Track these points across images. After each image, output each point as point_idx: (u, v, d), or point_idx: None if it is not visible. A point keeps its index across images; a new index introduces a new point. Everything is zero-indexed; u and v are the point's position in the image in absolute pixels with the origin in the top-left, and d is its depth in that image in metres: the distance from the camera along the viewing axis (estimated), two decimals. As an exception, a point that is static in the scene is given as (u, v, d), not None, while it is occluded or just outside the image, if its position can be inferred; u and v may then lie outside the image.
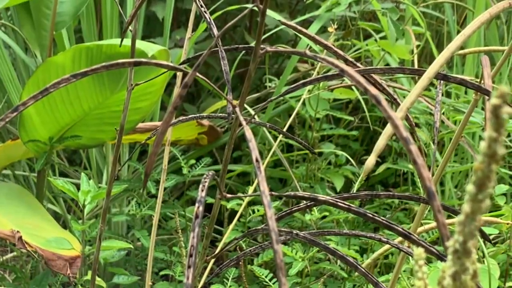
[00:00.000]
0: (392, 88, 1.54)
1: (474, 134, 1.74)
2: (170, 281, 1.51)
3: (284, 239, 0.70)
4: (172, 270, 1.41)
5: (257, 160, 0.47)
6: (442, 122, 1.57)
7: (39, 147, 1.50)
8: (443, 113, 1.59)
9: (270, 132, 1.67)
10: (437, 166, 1.57)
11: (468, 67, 1.83)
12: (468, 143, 1.56)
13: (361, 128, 2.01)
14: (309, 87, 1.61)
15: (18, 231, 1.22)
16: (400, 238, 1.02)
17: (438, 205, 0.42)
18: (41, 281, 1.35)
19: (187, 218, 1.60)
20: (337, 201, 0.59)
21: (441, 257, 0.59)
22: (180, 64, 0.82)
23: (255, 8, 0.60)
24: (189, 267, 0.48)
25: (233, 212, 1.53)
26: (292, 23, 0.74)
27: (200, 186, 0.53)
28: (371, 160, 0.56)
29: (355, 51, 1.86)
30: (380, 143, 0.56)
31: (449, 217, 1.20)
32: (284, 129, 1.51)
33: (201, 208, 0.52)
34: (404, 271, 1.26)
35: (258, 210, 1.46)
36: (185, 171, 1.55)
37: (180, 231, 1.35)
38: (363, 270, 0.63)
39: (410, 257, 1.19)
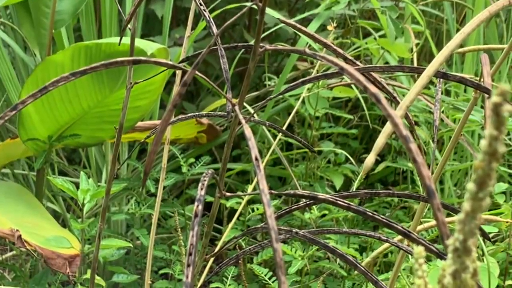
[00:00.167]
0: (391, 87, 1.54)
1: (474, 132, 1.74)
2: (169, 279, 1.51)
3: (283, 237, 0.70)
4: (172, 268, 1.41)
5: (256, 159, 0.47)
6: (442, 120, 1.57)
7: (38, 146, 1.49)
8: (443, 111, 1.59)
9: (269, 131, 1.67)
10: (437, 164, 1.57)
11: (467, 65, 1.83)
12: (467, 142, 1.56)
13: (361, 126, 2.01)
14: (309, 85, 1.61)
15: (17, 230, 1.21)
16: (399, 237, 1.02)
17: (438, 204, 0.42)
18: (40, 279, 1.35)
19: (187, 217, 1.60)
20: (337, 200, 0.59)
21: (441, 256, 0.59)
22: (179, 63, 0.81)
23: (254, 6, 0.60)
24: (188, 265, 0.48)
25: (232, 211, 1.53)
26: (292, 21, 0.74)
27: (200, 184, 0.53)
28: (370, 158, 0.56)
29: (354, 49, 1.86)
30: (380, 142, 0.56)
31: (448, 215, 1.20)
32: (284, 128, 1.51)
33: (200, 207, 0.51)
34: (403, 269, 1.26)
35: (257, 209, 1.46)
36: (184, 169, 1.55)
37: (179, 229, 1.35)
38: (362, 268, 0.63)
39: (409, 256, 1.19)
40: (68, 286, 1.53)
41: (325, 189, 1.68)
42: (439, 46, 2.14)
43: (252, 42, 2.02)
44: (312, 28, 1.74)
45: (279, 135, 1.57)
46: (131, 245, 1.23)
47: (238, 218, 1.42)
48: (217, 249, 1.29)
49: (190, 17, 1.07)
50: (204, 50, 0.51)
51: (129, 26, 0.81)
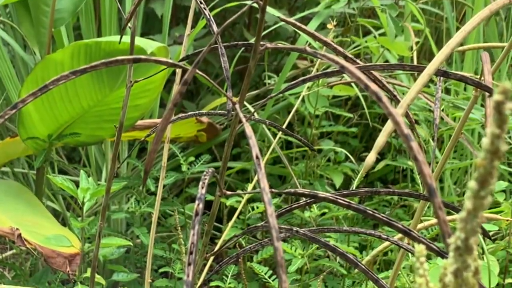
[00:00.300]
0: (391, 85, 1.54)
1: (473, 130, 1.74)
2: (169, 278, 1.51)
3: (284, 236, 0.70)
4: (172, 267, 1.41)
5: (257, 157, 0.47)
6: (442, 118, 1.57)
7: (38, 145, 1.49)
8: (443, 110, 1.59)
9: (269, 129, 1.67)
10: (437, 163, 1.57)
11: (467, 63, 1.83)
12: (467, 140, 1.56)
13: (360, 125, 2.01)
14: (308, 84, 1.61)
15: (17, 229, 1.21)
16: (399, 235, 1.02)
17: (439, 202, 0.42)
18: (40, 278, 1.35)
19: (187, 215, 1.60)
20: (337, 198, 0.59)
21: (442, 254, 0.59)
22: (180, 61, 0.81)
23: (255, 5, 0.60)
24: (189, 264, 0.48)
25: (232, 209, 1.53)
26: (292, 19, 0.74)
27: (200, 183, 0.53)
28: (371, 157, 0.56)
29: (354, 47, 1.86)
30: (380, 140, 0.56)
31: (448, 213, 1.20)
32: (284, 126, 1.51)
33: (201, 205, 0.51)
34: (403, 267, 1.26)
35: (257, 207, 1.46)
36: (184, 168, 1.55)
37: (179, 228, 1.35)
38: (363, 267, 0.63)
39: (409, 254, 1.19)
40: (68, 284, 1.52)
41: (325, 188, 1.68)
42: (439, 45, 2.14)
43: (252, 41, 2.02)
44: (312, 27, 1.74)
45: (279, 134, 1.57)
46: (131, 243, 1.23)
47: (238, 217, 1.42)
48: (217, 247, 1.29)
49: (190, 15, 1.07)
50: (205, 48, 0.51)
51: (129, 24, 0.81)
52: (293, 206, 0.69)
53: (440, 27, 2.20)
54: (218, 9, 1.75)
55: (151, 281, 1.08)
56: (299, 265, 1.29)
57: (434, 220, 1.19)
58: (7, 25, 1.87)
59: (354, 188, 1.45)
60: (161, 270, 1.46)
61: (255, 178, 1.39)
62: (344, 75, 1.51)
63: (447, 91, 1.84)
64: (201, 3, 0.74)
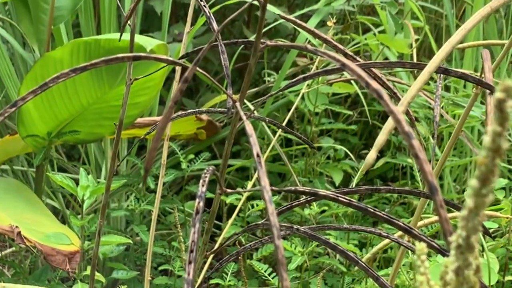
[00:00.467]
0: (391, 82, 1.54)
1: (473, 128, 1.74)
2: (169, 276, 1.51)
3: (284, 234, 0.70)
4: (171, 265, 1.41)
5: (258, 156, 0.47)
6: (441, 116, 1.57)
7: (38, 142, 1.49)
8: (442, 107, 1.59)
9: (269, 127, 1.67)
10: (436, 160, 1.56)
11: (467, 60, 1.83)
12: (467, 137, 1.56)
13: (360, 122, 2.01)
14: (308, 81, 1.61)
15: (17, 226, 1.21)
16: (399, 233, 1.02)
17: (440, 200, 0.42)
18: (40, 276, 1.35)
19: (186, 213, 1.60)
20: (338, 196, 0.59)
21: (443, 252, 0.59)
22: (179, 59, 0.81)
23: (254, 2, 0.60)
24: (190, 262, 0.48)
25: (232, 207, 1.53)
26: (291, 17, 0.74)
27: (201, 181, 0.53)
28: (371, 155, 0.56)
29: (353, 45, 1.86)
30: (381, 139, 0.56)
31: (448, 211, 1.20)
32: (283, 124, 1.51)
33: (201, 204, 0.51)
34: (403, 265, 1.26)
35: (257, 205, 1.46)
36: (184, 166, 1.55)
37: (179, 226, 1.35)
38: (363, 265, 0.63)
39: (409, 251, 1.19)
40: (68, 282, 1.52)
41: (325, 185, 1.68)
42: (439, 42, 2.14)
43: (252, 38, 2.02)
44: (311, 24, 1.73)
45: (279, 131, 1.56)
46: (130, 241, 1.23)
47: (237, 214, 1.42)
48: (217, 245, 1.29)
49: (189, 13, 1.07)
50: (205, 46, 0.50)
51: (128, 22, 0.81)
52: (293, 204, 0.69)
53: (439, 24, 2.20)
54: (218, 7, 1.75)
55: (151, 278, 1.08)
56: (299, 263, 1.29)
57: (434, 218, 1.19)
58: (6, 22, 1.87)
59: (353, 186, 1.45)
60: (160, 268, 1.46)
61: (255, 176, 1.39)
62: (344, 72, 1.51)
63: (446, 88, 1.84)
64: (200, 0, 0.74)
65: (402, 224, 0.58)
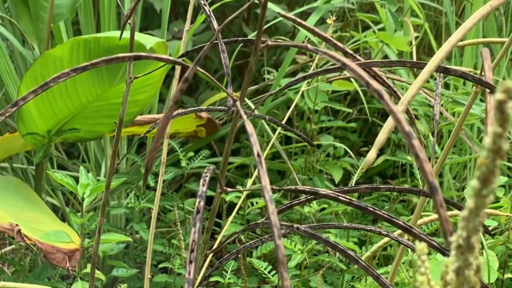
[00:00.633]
0: (391, 80, 1.54)
1: (473, 125, 1.74)
2: (169, 273, 1.51)
3: (284, 232, 0.70)
4: (171, 262, 1.41)
5: (258, 155, 0.47)
6: (441, 113, 1.57)
7: (37, 140, 1.49)
8: (442, 105, 1.59)
9: (268, 124, 1.67)
10: (436, 158, 1.57)
11: (466, 58, 1.83)
12: (467, 135, 1.56)
13: (360, 119, 2.01)
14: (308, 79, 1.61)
15: (17, 225, 1.21)
16: (399, 231, 1.02)
17: (440, 200, 0.42)
18: (40, 274, 1.35)
19: (186, 211, 1.60)
20: (338, 195, 0.59)
21: (443, 251, 0.59)
22: (179, 57, 0.81)
23: (255, 0, 0.60)
24: (190, 262, 0.48)
25: (232, 204, 1.53)
26: (291, 15, 0.74)
27: (201, 181, 0.53)
28: (371, 154, 0.56)
29: (353, 42, 1.86)
30: (381, 137, 0.56)
31: (448, 208, 1.21)
32: (283, 121, 1.51)
33: (202, 203, 0.51)
34: (403, 262, 1.26)
35: (257, 203, 1.46)
36: (183, 163, 1.55)
37: (179, 223, 1.35)
38: (363, 264, 0.63)
39: (409, 249, 1.19)
40: (68, 280, 1.53)
41: (324, 183, 1.68)
42: (438, 39, 2.14)
43: (251, 36, 2.02)
44: (311, 22, 1.73)
45: (278, 129, 1.56)
46: (130, 239, 1.23)
47: (237, 212, 1.42)
48: (216, 244, 1.29)
49: (189, 10, 1.07)
50: (205, 46, 0.50)
51: (128, 21, 0.81)
52: (293, 203, 0.69)
53: (439, 22, 2.20)
54: (217, 4, 1.74)
55: (150, 276, 1.08)
56: (298, 261, 1.30)
57: (434, 216, 1.20)
58: (5, 20, 1.87)
59: (353, 184, 1.45)
60: (160, 266, 1.46)
61: (255, 173, 1.39)
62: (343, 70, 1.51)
63: (446, 85, 1.84)
64: (201, -1, 0.74)
65: (402, 223, 0.58)
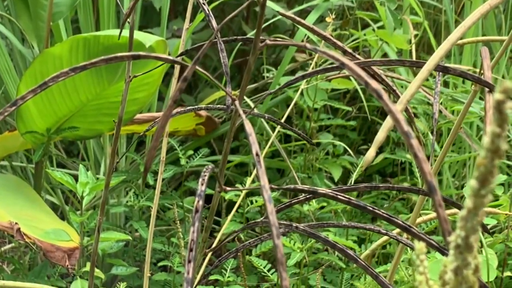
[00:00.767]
0: (390, 78, 1.54)
1: (472, 123, 1.74)
2: (168, 272, 1.51)
3: (283, 231, 0.70)
4: (171, 261, 1.41)
5: (257, 155, 0.47)
6: (440, 112, 1.57)
7: (37, 139, 1.49)
8: (441, 103, 1.59)
9: (267, 123, 1.67)
10: (435, 156, 1.56)
11: (465, 56, 1.83)
12: (466, 133, 1.56)
13: (359, 118, 2.01)
14: (307, 77, 1.61)
15: (16, 223, 1.21)
16: (398, 229, 1.02)
17: (439, 200, 0.42)
18: (39, 272, 1.35)
19: (185, 209, 1.60)
20: (337, 194, 0.59)
21: (442, 250, 0.59)
22: (178, 56, 0.81)
23: None
24: (189, 261, 0.48)
25: (231, 203, 1.53)
26: (290, 13, 0.74)
27: (200, 180, 0.53)
28: (371, 153, 0.56)
29: (352, 40, 1.86)
30: (380, 136, 0.56)
31: (447, 207, 1.21)
32: (282, 120, 1.51)
33: (201, 202, 0.51)
34: (402, 261, 1.26)
35: (256, 201, 1.46)
36: (183, 162, 1.55)
37: (178, 222, 1.35)
38: (363, 263, 0.63)
39: (408, 248, 1.19)
40: (67, 278, 1.53)
41: (324, 181, 1.68)
42: (438, 37, 2.14)
43: (250, 34, 2.01)
44: (310, 20, 1.73)
45: (278, 127, 1.56)
46: (130, 237, 1.23)
47: (237, 210, 1.42)
48: (216, 241, 1.29)
49: (188, 9, 1.07)
50: (205, 45, 0.50)
51: (127, 19, 0.81)
52: (292, 202, 0.69)
53: (438, 20, 2.20)
54: (216, 2, 1.74)
55: (150, 274, 1.08)
56: (298, 259, 1.30)
57: (433, 214, 1.20)
58: (5, 18, 1.86)
59: (353, 182, 1.45)
60: (160, 264, 1.46)
61: (254, 172, 1.39)
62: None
63: (445, 83, 1.84)
64: (200, -2, 0.73)
65: (401, 223, 0.58)
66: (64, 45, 1.37)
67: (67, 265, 1.23)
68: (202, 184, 0.53)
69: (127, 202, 1.57)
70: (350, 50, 0.76)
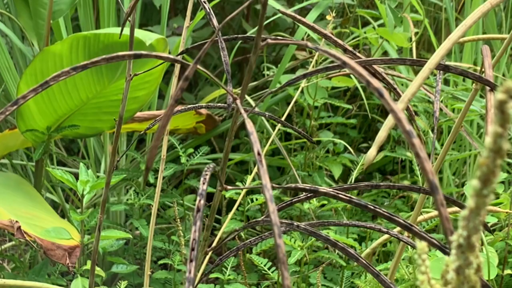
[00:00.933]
0: (390, 76, 1.54)
1: (472, 121, 1.74)
2: (168, 270, 1.51)
3: (284, 229, 0.70)
4: (171, 259, 1.41)
5: (259, 154, 0.47)
6: (440, 110, 1.57)
7: (37, 137, 1.49)
8: (442, 101, 1.59)
9: (268, 121, 1.67)
10: (436, 154, 1.56)
11: (466, 54, 1.82)
12: (466, 131, 1.56)
13: (359, 115, 2.01)
14: (307, 75, 1.61)
15: (17, 221, 1.21)
16: (399, 227, 1.02)
17: (441, 199, 0.42)
18: (40, 270, 1.35)
19: (186, 207, 1.60)
20: (338, 193, 0.59)
21: (443, 249, 0.59)
22: (179, 54, 0.81)
23: (255, -1, 0.60)
24: (191, 260, 0.48)
25: (231, 201, 1.53)
26: (290, 11, 0.74)
27: (201, 179, 0.53)
28: (372, 152, 0.56)
29: (353, 38, 1.86)
30: (381, 135, 0.56)
31: (447, 206, 1.20)
32: (283, 118, 1.51)
33: (202, 201, 0.51)
34: (402, 259, 1.26)
35: (256, 199, 1.46)
36: (183, 160, 1.55)
37: (178, 220, 1.35)
38: (364, 262, 0.63)
39: (409, 246, 1.19)
40: (68, 276, 1.53)
41: (324, 179, 1.68)
42: (438, 35, 2.14)
43: (250, 32, 2.00)
44: (311, 18, 1.73)
45: (278, 125, 1.56)
46: (130, 235, 1.23)
47: (237, 208, 1.42)
48: (216, 241, 1.29)
49: (189, 7, 1.07)
50: (206, 44, 0.50)
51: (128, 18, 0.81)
52: (293, 201, 0.69)
53: (439, 18, 2.20)
54: (217, 0, 1.74)
55: (150, 273, 1.08)
56: (298, 257, 1.30)
57: (433, 213, 1.20)
58: (5, 16, 1.86)
59: (353, 180, 1.45)
60: (160, 262, 1.46)
61: (254, 170, 1.39)
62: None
63: (446, 81, 1.84)
64: (201, -4, 0.73)
65: (402, 221, 0.58)
66: (64, 43, 1.37)
67: (68, 263, 1.23)
68: (203, 183, 0.53)
69: (127, 200, 1.57)
70: (350, 49, 0.76)
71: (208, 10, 0.71)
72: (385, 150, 1.78)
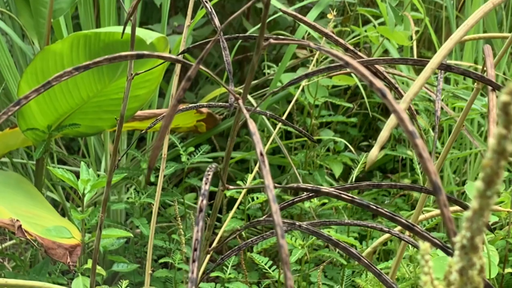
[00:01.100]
0: (391, 75, 1.54)
1: (473, 120, 1.74)
2: (169, 268, 1.51)
3: (285, 229, 0.70)
4: (172, 257, 1.41)
5: (261, 154, 0.47)
6: (441, 108, 1.56)
7: (38, 136, 1.49)
8: (442, 100, 1.59)
9: (269, 119, 1.67)
10: (437, 153, 1.56)
11: (467, 52, 1.82)
12: (467, 130, 1.56)
13: (360, 114, 2.01)
14: (308, 74, 1.61)
15: (17, 220, 1.21)
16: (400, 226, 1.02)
17: (444, 200, 0.42)
18: (41, 269, 1.35)
19: (186, 206, 1.60)
20: (340, 193, 0.59)
21: (445, 249, 0.59)
22: (180, 54, 0.81)
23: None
24: (193, 261, 0.48)
25: (232, 199, 1.53)
26: (291, 9, 0.74)
27: (204, 179, 0.53)
28: (374, 152, 0.56)
29: (353, 37, 1.86)
30: (383, 135, 0.56)
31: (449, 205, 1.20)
32: (283, 116, 1.51)
33: (205, 202, 0.51)
34: (403, 258, 1.26)
35: (257, 198, 1.46)
36: (184, 158, 1.55)
37: (179, 218, 1.35)
38: (366, 261, 0.63)
39: (409, 245, 1.19)
40: (69, 275, 1.53)
41: (325, 178, 1.68)
42: (439, 33, 2.13)
43: (251, 30, 2.00)
44: (311, 16, 1.73)
45: (279, 124, 1.56)
46: (131, 234, 1.23)
47: (238, 207, 1.42)
48: (216, 240, 1.29)
49: (190, 5, 1.07)
50: (209, 44, 0.50)
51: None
52: (295, 200, 0.69)
53: (439, 16, 2.20)
54: (217, -1, 1.74)
55: (151, 271, 1.08)
56: (299, 256, 1.30)
57: (434, 212, 1.20)
58: (5, 15, 1.86)
59: (354, 179, 1.45)
60: (161, 261, 1.46)
61: (255, 169, 1.39)
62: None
63: (447, 80, 1.84)
64: (202, -4, 0.73)
65: (404, 221, 0.58)
66: (65, 42, 1.37)
67: (69, 262, 1.23)
68: (206, 184, 0.53)
69: (128, 199, 1.57)
70: (351, 47, 0.76)
71: (210, 10, 0.71)
72: (386, 148, 1.78)
